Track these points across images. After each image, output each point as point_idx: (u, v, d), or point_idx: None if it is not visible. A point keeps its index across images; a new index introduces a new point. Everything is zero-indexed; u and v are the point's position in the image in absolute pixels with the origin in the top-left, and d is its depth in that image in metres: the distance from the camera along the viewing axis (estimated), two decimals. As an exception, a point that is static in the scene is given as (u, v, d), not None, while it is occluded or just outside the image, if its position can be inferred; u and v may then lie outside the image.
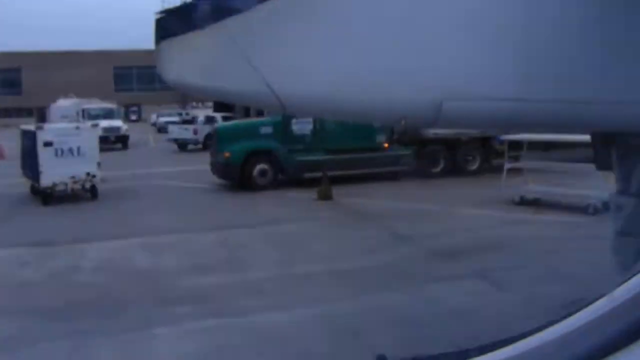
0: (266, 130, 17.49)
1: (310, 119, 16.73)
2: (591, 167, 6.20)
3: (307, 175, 16.97)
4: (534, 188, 13.59)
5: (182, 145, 32.33)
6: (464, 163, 18.95)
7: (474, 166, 19.02)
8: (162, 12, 4.07)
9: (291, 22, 3.75)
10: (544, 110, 4.05)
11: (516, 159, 14.34)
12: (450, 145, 18.58)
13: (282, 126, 17.23)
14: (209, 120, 32.44)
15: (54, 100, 45.91)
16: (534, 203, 13.33)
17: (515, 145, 14.24)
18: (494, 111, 4.06)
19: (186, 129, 33.38)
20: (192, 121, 35.09)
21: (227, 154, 16.91)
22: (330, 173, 15.71)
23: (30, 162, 16.05)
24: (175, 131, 33.70)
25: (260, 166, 16.97)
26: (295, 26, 3.76)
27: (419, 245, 10.29)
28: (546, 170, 14.03)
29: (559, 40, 3.90)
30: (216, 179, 17.83)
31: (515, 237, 10.59)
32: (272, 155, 17.18)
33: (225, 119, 30.71)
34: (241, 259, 9.94)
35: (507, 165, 13.83)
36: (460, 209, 13.28)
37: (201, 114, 37.32)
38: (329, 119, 15.10)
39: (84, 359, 6.30)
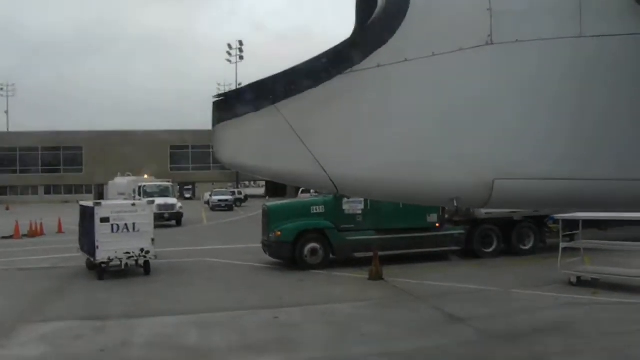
0: (317, 209, 17.59)
1: (361, 199, 16.75)
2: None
3: (358, 254, 16.88)
4: (591, 268, 13.20)
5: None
6: (518, 242, 18.58)
7: (528, 246, 18.61)
8: (219, 95, 4.23)
9: (342, 106, 3.84)
10: (600, 189, 4.00)
11: (571, 238, 14.02)
12: (503, 224, 18.26)
13: (333, 206, 17.30)
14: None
15: (112, 178, 47.30)
16: (592, 284, 12.92)
17: (571, 224, 13.95)
18: (548, 190, 4.03)
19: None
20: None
21: (278, 233, 16.99)
22: (381, 253, 15.56)
23: (87, 237, 16.41)
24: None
25: (311, 245, 16.95)
26: (346, 110, 3.85)
27: (474, 327, 10.04)
28: (604, 249, 13.65)
29: (613, 120, 3.89)
30: (268, 258, 17.87)
31: (573, 319, 10.26)
32: (323, 234, 17.18)
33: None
34: (292, 338, 9.83)
35: (562, 245, 13.48)
36: (515, 290, 12.96)
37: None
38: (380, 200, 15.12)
39: None
